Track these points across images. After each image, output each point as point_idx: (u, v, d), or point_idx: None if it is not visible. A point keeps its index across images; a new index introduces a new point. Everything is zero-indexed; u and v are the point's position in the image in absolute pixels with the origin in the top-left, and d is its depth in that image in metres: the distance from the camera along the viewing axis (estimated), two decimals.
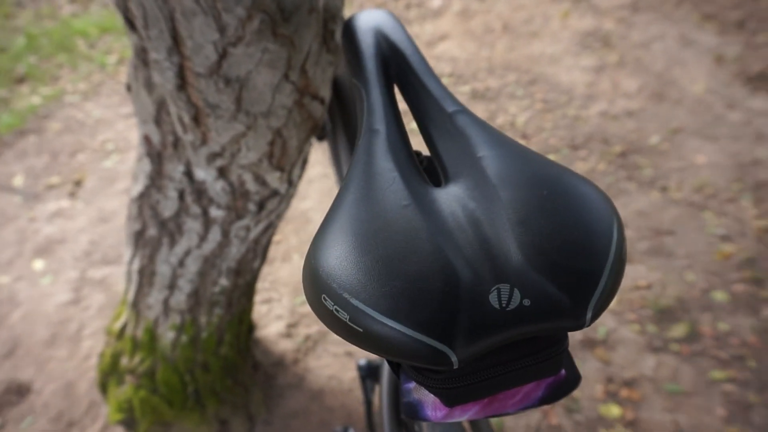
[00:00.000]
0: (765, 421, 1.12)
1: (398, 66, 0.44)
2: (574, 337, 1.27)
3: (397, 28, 0.45)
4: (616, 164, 1.73)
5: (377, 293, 0.27)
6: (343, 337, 0.29)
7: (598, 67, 2.19)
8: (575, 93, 2.04)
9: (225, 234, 0.86)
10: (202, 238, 0.86)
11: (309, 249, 0.32)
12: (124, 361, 1.01)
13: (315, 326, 1.30)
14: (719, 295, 1.35)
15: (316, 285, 0.30)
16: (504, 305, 0.27)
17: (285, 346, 1.26)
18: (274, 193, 0.82)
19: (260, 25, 0.50)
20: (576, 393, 1.18)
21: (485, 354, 0.28)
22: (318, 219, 1.56)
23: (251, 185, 0.78)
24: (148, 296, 0.93)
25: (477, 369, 0.29)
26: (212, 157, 0.71)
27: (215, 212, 0.82)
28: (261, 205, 0.83)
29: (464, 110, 0.38)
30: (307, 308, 1.34)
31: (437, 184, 0.36)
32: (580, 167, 1.73)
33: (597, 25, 2.46)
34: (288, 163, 0.75)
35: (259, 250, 0.95)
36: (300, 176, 0.86)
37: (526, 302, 0.27)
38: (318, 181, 1.68)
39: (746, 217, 1.54)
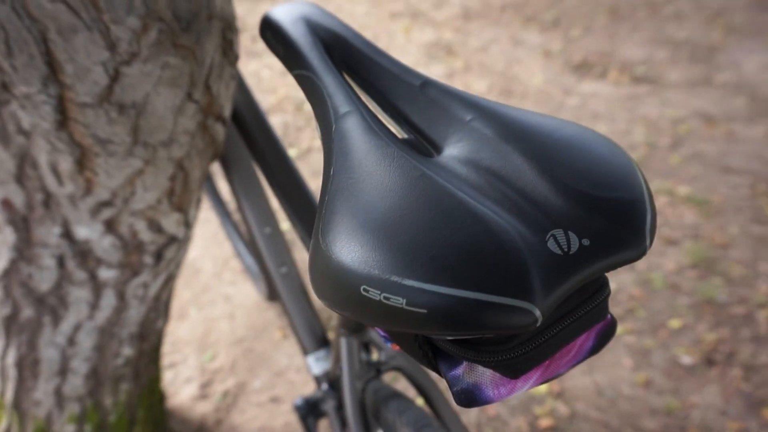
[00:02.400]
0: (663, 360, 1.24)
1: (343, 52, 0.41)
2: None
3: (327, 15, 0.43)
4: None
5: (432, 267, 0.24)
6: (396, 327, 0.25)
7: (448, 74, 2.32)
8: None
9: (121, 296, 0.75)
10: (94, 307, 0.75)
11: (317, 251, 0.28)
12: None
13: (231, 379, 1.20)
14: None
15: (348, 280, 0.26)
16: (566, 250, 0.26)
17: (203, 409, 1.14)
18: (172, 239, 0.74)
19: (158, 37, 0.43)
20: None
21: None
22: (208, 268, 1.45)
23: (145, 235, 0.69)
24: (34, 390, 0.79)
25: (539, 329, 0.28)
26: (98, 208, 0.61)
27: (106, 273, 0.72)
28: (158, 256, 0.74)
29: (431, 80, 0.37)
30: (219, 362, 1.23)
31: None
32: None
33: (438, 36, 2.63)
34: (187, 202, 0.68)
35: (161, 308, 0.85)
36: (196, 216, 0.78)
37: (586, 242, 0.26)
38: (201, 226, 1.56)
39: None
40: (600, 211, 0.27)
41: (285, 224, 1.46)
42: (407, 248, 0.25)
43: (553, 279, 0.25)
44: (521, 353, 0.28)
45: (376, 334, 0.64)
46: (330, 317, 1.29)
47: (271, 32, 0.43)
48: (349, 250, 0.26)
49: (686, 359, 1.25)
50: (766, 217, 1.59)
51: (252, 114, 0.72)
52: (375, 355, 0.67)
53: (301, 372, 1.21)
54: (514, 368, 0.28)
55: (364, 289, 0.25)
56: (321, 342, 0.86)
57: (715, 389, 1.19)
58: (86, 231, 0.66)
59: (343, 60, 0.41)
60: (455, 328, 0.24)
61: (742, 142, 1.87)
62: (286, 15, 0.43)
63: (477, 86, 2.22)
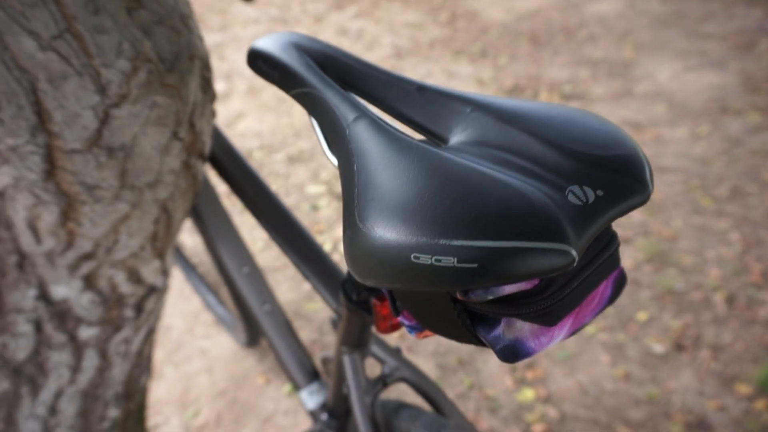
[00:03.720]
0: (637, 352, 1.29)
1: (337, 69, 0.44)
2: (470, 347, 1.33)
3: (313, 40, 0.46)
4: None
5: (476, 225, 0.27)
6: (449, 286, 0.27)
7: None
8: None
9: (103, 355, 0.72)
10: (75, 370, 0.71)
11: (357, 237, 0.30)
12: None
13: (219, 431, 1.14)
14: None
15: (397, 252, 0.28)
16: (584, 201, 0.29)
17: None
18: (152, 289, 0.72)
19: (148, 77, 0.44)
20: (491, 392, 1.22)
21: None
22: (179, 324, 1.40)
23: (125, 287, 0.67)
24: None
25: (568, 277, 0.31)
26: (78, 262, 0.59)
27: (86, 332, 0.69)
28: (139, 309, 0.72)
29: (425, 84, 0.40)
30: (203, 418, 1.17)
31: None
32: None
33: None
34: (168, 247, 0.67)
35: (144, 363, 0.82)
36: (173, 264, 0.77)
37: (600, 193, 0.30)
38: None
39: None
40: (606, 166, 0.31)
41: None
42: (449, 214, 0.28)
43: (580, 224, 0.28)
44: (556, 301, 0.31)
45: (376, 348, 0.65)
46: (315, 351, 1.27)
47: (263, 60, 0.45)
48: (394, 225, 0.29)
49: (658, 348, 1.30)
50: (703, 208, 1.71)
51: (226, 152, 0.73)
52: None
53: (289, 414, 1.18)
54: (550, 316, 0.31)
55: (415, 257, 0.28)
56: (312, 375, 0.85)
57: (689, 372, 1.25)
58: (64, 290, 0.63)
59: (338, 76, 0.44)
60: (504, 276, 0.27)
61: (670, 144, 2.02)
62: (274, 42, 0.45)
63: (417, 134, 2.30)
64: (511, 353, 0.32)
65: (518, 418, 1.17)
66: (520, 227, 0.27)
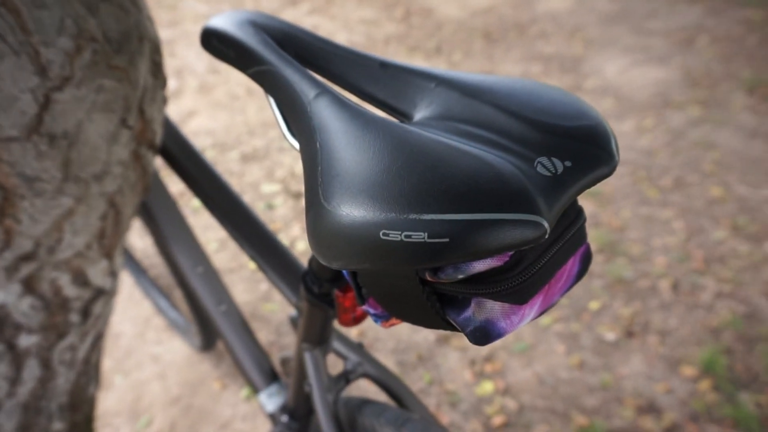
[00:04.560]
0: (590, 340, 1.33)
1: (296, 46, 0.42)
2: (429, 338, 1.33)
3: (271, 17, 0.44)
4: None
5: (445, 199, 0.26)
6: (420, 263, 0.26)
7: None
8: None
9: (45, 365, 0.68)
10: (15, 382, 0.67)
11: (322, 216, 0.29)
12: None
13: None
14: None
15: (365, 230, 0.27)
16: (553, 171, 0.29)
17: None
18: (99, 292, 0.69)
19: (93, 58, 0.41)
20: (451, 386, 1.23)
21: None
22: (129, 330, 1.35)
23: (70, 290, 0.64)
24: None
25: (537, 253, 0.30)
26: (16, 264, 0.56)
27: (26, 341, 0.65)
28: (85, 313, 0.69)
29: (387, 60, 0.39)
30: (156, 427, 1.14)
31: None
32: None
33: None
34: (116, 245, 0.64)
35: (92, 372, 0.78)
36: (122, 265, 0.74)
37: (568, 164, 0.29)
38: None
39: None
40: (572, 137, 0.30)
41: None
42: (417, 188, 0.27)
43: (551, 195, 0.28)
44: (526, 278, 0.30)
45: (338, 343, 0.64)
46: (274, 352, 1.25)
47: (218, 39, 0.43)
48: (361, 202, 0.28)
49: (610, 336, 1.34)
50: (649, 199, 1.77)
51: (178, 143, 0.71)
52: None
53: (247, 420, 1.15)
54: (521, 293, 0.30)
55: (384, 234, 0.26)
56: (271, 377, 0.83)
57: (639, 358, 1.29)
58: (1, 295, 0.60)
59: (297, 54, 0.42)
60: (476, 251, 0.26)
61: (618, 137, 2.09)
62: (230, 20, 0.43)
63: (353, 97, 2.29)
64: (483, 335, 0.31)
65: (478, 411, 1.18)
66: (490, 199, 0.26)
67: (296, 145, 0.40)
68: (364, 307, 0.36)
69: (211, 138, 2.18)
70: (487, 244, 0.26)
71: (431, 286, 0.31)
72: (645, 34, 2.87)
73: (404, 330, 1.35)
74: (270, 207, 1.79)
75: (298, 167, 1.98)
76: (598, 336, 1.35)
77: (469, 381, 1.24)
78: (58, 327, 0.67)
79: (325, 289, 0.51)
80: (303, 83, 0.36)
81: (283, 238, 1.65)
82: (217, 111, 2.37)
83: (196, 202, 1.79)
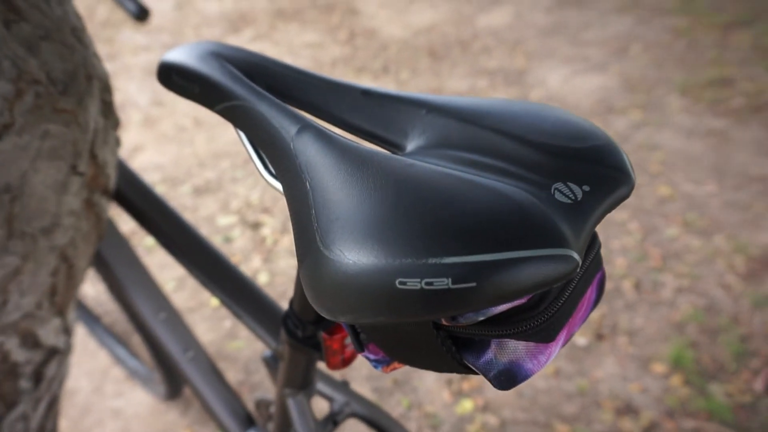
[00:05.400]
0: (564, 348, 1.34)
1: (267, 78, 0.39)
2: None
3: (236, 48, 0.40)
4: None
5: (467, 239, 0.23)
6: (444, 313, 0.23)
7: None
8: None
9: None
10: None
11: (323, 265, 0.25)
12: None
13: None
14: None
15: (378, 278, 0.24)
16: (573, 198, 0.26)
17: None
18: (52, 352, 0.64)
19: (36, 101, 0.37)
20: (430, 409, 1.21)
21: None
22: (85, 385, 1.26)
23: (19, 354, 0.58)
24: None
25: (561, 287, 0.28)
26: None
27: None
28: (38, 377, 0.63)
29: (370, 88, 0.37)
30: None
31: None
32: None
33: None
34: (69, 301, 0.59)
35: None
36: (76, 319, 0.68)
37: (586, 188, 0.27)
38: None
39: None
40: (585, 160, 0.28)
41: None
42: (433, 228, 0.24)
43: (575, 225, 0.26)
44: (552, 314, 0.27)
45: (322, 384, 0.60)
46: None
47: (178, 74, 0.39)
48: (370, 248, 0.24)
49: (581, 341, 1.36)
50: None
51: (132, 184, 0.66)
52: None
53: None
54: (548, 331, 0.27)
55: (401, 282, 0.23)
56: (246, 422, 0.79)
57: (611, 360, 1.30)
58: None
59: (269, 86, 0.39)
60: (505, 293, 0.23)
61: None
62: (191, 53, 0.40)
63: (336, 129, 2.28)
64: (508, 378, 0.28)
65: (460, 430, 1.16)
66: (515, 235, 0.24)
67: (277, 185, 0.36)
68: (364, 354, 0.33)
69: (160, 173, 2.11)
70: (517, 286, 0.23)
71: (446, 329, 0.28)
72: (582, 44, 2.99)
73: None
74: (227, 240, 1.74)
75: (254, 197, 1.93)
76: (572, 344, 1.35)
77: (448, 401, 1.22)
78: (7, 396, 0.61)
79: (310, 332, 0.48)
80: (282, 118, 0.33)
81: (244, 271, 1.59)
82: (164, 144, 2.29)
83: (149, 241, 1.72)
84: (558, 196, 0.27)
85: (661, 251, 1.61)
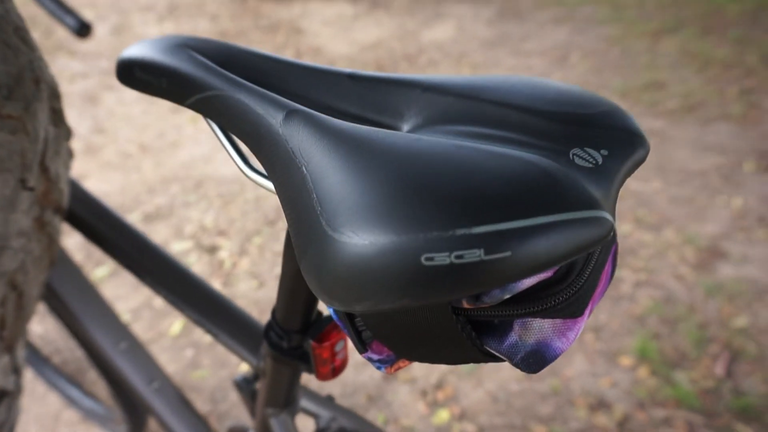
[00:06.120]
0: None
1: (242, 67, 0.36)
2: (374, 376, 1.28)
3: (203, 39, 0.37)
4: None
5: (497, 205, 0.21)
6: (478, 287, 0.21)
7: (249, 152, 2.31)
8: (243, 179, 2.11)
9: None
10: None
11: (334, 250, 0.23)
12: None
13: None
14: None
15: (400, 257, 0.21)
16: (594, 162, 0.25)
17: None
18: (1, 394, 0.58)
19: None
20: (407, 422, 1.18)
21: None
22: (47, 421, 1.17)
23: None
24: None
25: (586, 257, 0.26)
26: None
27: None
28: None
29: (357, 72, 0.34)
30: None
31: None
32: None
33: None
34: (19, 335, 0.54)
35: None
36: (24, 357, 0.63)
37: (604, 152, 0.26)
38: None
39: None
40: (597, 125, 0.27)
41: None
42: (457, 197, 0.22)
43: (602, 188, 0.24)
44: (581, 284, 0.26)
45: (306, 400, 0.57)
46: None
47: (142, 69, 0.36)
48: (388, 224, 0.22)
49: None
50: None
51: (84, 201, 0.62)
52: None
53: None
54: (578, 304, 0.26)
55: (427, 258, 0.21)
56: None
57: (580, 357, 1.32)
58: None
59: (246, 76, 0.36)
60: (541, 261, 0.21)
61: None
62: (156, 46, 0.37)
63: None
64: (537, 360, 0.26)
65: None
66: (546, 199, 0.22)
67: (259, 179, 0.34)
68: (366, 354, 0.31)
69: (106, 201, 2.01)
70: (554, 252, 0.21)
71: (465, 314, 0.26)
72: (524, 54, 3.08)
73: (347, 372, 1.29)
74: None
75: (208, 220, 1.87)
76: None
77: (424, 413, 1.20)
78: None
79: (296, 342, 0.45)
80: (266, 104, 0.30)
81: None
82: (108, 172, 2.20)
83: (100, 272, 1.63)
84: (578, 161, 0.25)
85: (618, 247, 1.65)
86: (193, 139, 2.44)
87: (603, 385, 1.25)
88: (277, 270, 1.63)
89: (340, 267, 0.23)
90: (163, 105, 2.80)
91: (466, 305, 0.25)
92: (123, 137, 2.47)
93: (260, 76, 0.36)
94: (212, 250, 1.74)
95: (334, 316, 0.30)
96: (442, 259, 0.21)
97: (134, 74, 0.37)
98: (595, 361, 1.31)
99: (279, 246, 1.73)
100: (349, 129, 0.27)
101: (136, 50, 0.37)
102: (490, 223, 0.21)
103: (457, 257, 0.21)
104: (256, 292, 1.55)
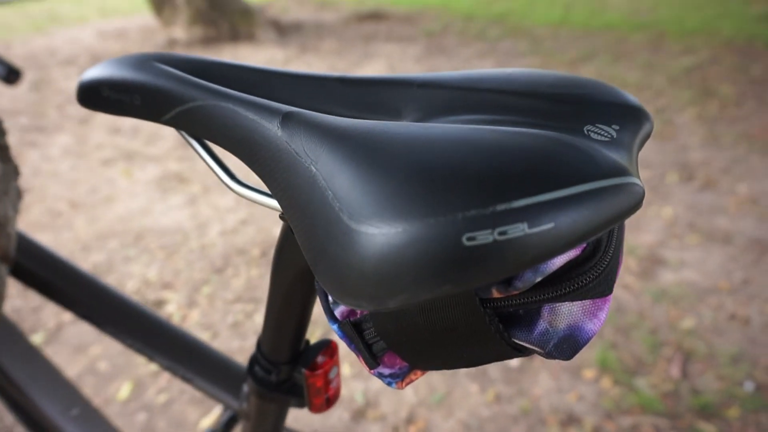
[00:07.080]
0: (497, 372, 1.35)
1: (222, 78, 0.34)
2: (343, 417, 1.24)
3: (172, 54, 0.35)
4: (263, 266, 1.80)
5: (532, 177, 0.21)
6: (525, 265, 0.20)
7: (189, 200, 2.24)
8: (186, 229, 2.04)
9: None
10: None
11: (357, 245, 0.21)
12: None
13: None
14: None
15: (439, 240, 0.20)
16: (610, 136, 0.25)
17: None
18: None
19: None
20: None
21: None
22: None
23: None
24: None
25: (609, 233, 0.26)
26: None
27: None
28: None
29: (344, 75, 0.33)
30: None
31: None
32: (236, 284, 1.71)
33: (164, 169, 2.53)
34: None
35: None
36: None
37: (616, 127, 0.26)
38: None
39: None
40: (600, 103, 0.28)
41: None
42: (490, 174, 0.21)
43: (625, 158, 0.24)
44: (609, 261, 0.25)
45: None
46: None
47: (111, 88, 0.34)
48: (421, 208, 0.21)
49: (514, 362, 1.38)
50: None
51: (31, 251, 0.57)
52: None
53: None
54: (607, 282, 0.25)
55: (469, 238, 0.20)
56: None
57: (545, 375, 1.33)
58: None
59: (227, 86, 0.34)
60: (585, 231, 0.21)
61: None
62: (123, 64, 0.35)
63: (222, 203, 2.19)
64: (570, 345, 0.25)
65: None
66: (579, 169, 0.22)
67: (246, 193, 0.32)
68: (377, 370, 0.29)
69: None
70: (596, 221, 0.21)
71: (492, 305, 0.25)
72: None
73: (314, 416, 1.24)
74: None
75: (152, 273, 1.78)
76: (504, 365, 1.37)
77: None
78: None
79: (285, 375, 0.42)
80: (259, 109, 0.29)
81: None
82: (37, 233, 2.06)
83: (34, 339, 1.50)
84: (594, 136, 0.25)
85: None
86: (128, 192, 2.34)
87: (570, 399, 1.26)
88: (231, 319, 1.57)
89: (368, 261, 0.21)
90: (93, 158, 2.68)
91: (496, 294, 0.25)
92: (51, 195, 2.34)
93: (243, 86, 0.35)
94: (159, 304, 1.65)
95: (339, 333, 0.29)
96: (484, 237, 0.20)
97: (101, 94, 0.34)
98: (560, 377, 1.32)
99: (230, 294, 1.67)
100: (355, 122, 0.26)
101: (100, 70, 0.35)
102: (529, 195, 0.21)
103: (501, 233, 0.20)
104: (210, 343, 1.48)
